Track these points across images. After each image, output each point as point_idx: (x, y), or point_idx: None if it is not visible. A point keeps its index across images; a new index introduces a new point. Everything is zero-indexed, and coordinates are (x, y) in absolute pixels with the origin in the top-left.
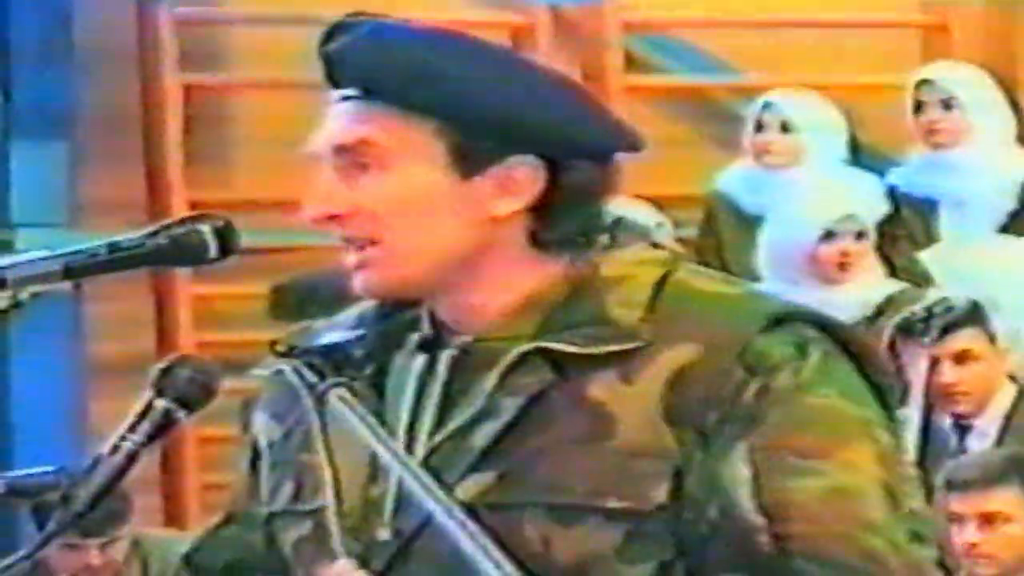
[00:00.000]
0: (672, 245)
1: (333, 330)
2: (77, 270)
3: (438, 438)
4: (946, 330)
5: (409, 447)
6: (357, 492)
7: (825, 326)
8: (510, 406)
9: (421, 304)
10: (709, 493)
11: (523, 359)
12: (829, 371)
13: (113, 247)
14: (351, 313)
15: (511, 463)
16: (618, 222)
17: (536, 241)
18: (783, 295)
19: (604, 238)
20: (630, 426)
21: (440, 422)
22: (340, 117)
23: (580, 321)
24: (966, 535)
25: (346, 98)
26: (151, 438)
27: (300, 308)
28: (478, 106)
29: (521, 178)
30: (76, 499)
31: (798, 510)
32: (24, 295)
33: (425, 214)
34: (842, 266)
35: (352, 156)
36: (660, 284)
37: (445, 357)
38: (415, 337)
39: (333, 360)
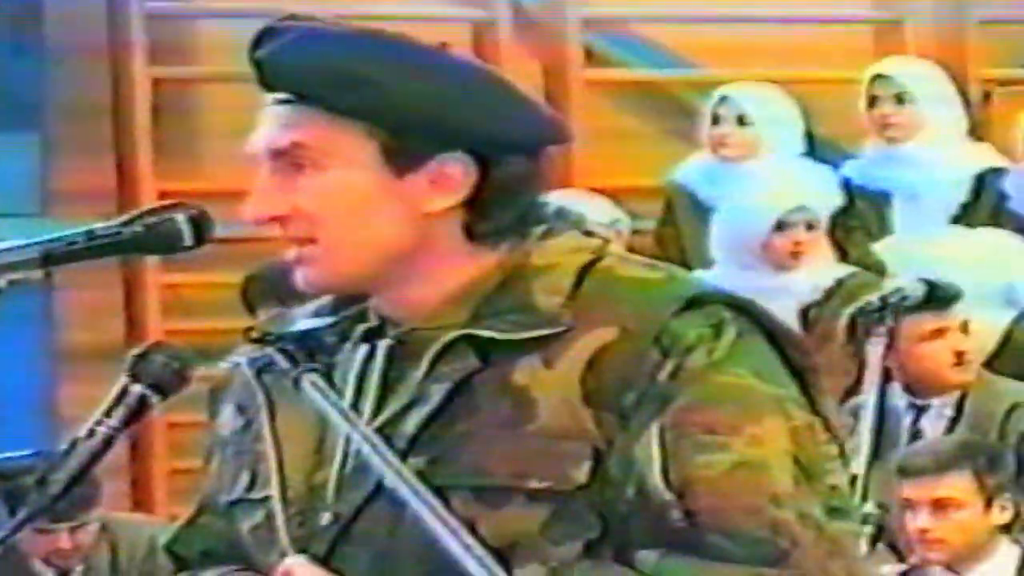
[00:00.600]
0: (609, 235)
1: (303, 318)
2: (55, 258)
3: (375, 424)
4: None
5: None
6: (302, 479)
7: (741, 307)
8: (437, 392)
9: (367, 298)
10: (626, 473)
11: (451, 347)
12: (742, 350)
13: (91, 235)
14: (316, 303)
15: (439, 448)
16: (558, 212)
17: (471, 234)
18: (736, 281)
19: (540, 228)
20: (551, 409)
21: (377, 410)
22: (273, 120)
23: (508, 308)
24: (918, 521)
25: (280, 101)
26: (126, 423)
27: (272, 295)
28: (405, 108)
29: (453, 174)
30: (52, 483)
31: (705, 485)
32: (2, 283)
33: (360, 213)
34: (794, 255)
35: (287, 159)
36: (584, 270)
37: (382, 347)
38: (359, 328)
39: (306, 347)
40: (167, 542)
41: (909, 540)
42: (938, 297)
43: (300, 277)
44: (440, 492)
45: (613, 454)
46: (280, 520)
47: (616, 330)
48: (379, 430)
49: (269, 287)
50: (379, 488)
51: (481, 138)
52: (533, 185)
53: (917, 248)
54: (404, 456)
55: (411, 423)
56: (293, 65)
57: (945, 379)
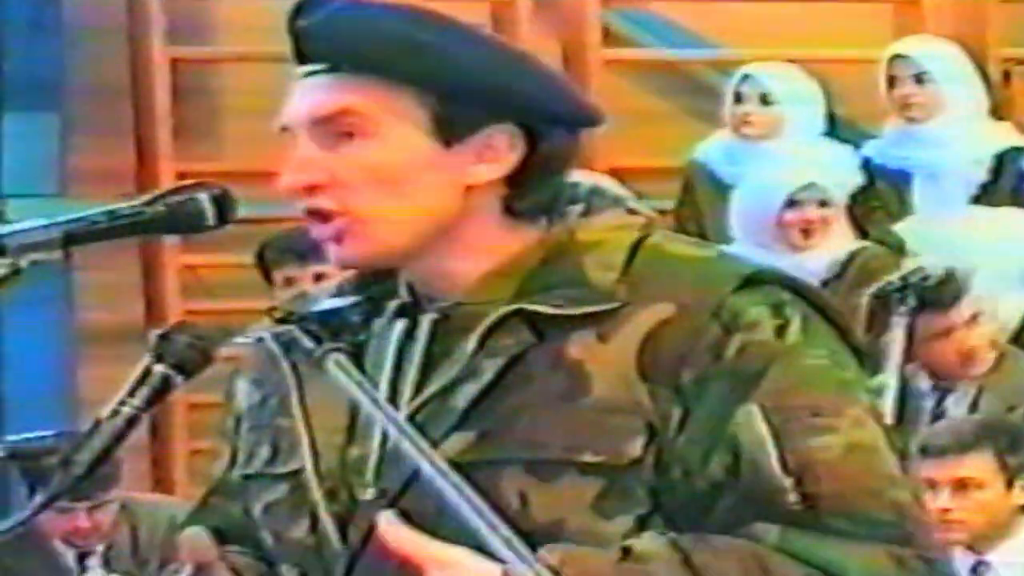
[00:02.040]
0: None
1: (326, 297)
2: (77, 238)
3: (419, 400)
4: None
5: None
6: (335, 455)
7: (798, 289)
8: (490, 367)
9: (396, 273)
10: (708, 451)
11: (502, 321)
12: (814, 333)
13: (113, 215)
14: (337, 282)
15: (491, 422)
16: (594, 190)
17: (509, 209)
18: (754, 259)
19: (578, 206)
20: (605, 383)
21: (421, 385)
22: (316, 89)
23: (558, 283)
24: (939, 501)
25: (314, 72)
26: (150, 403)
27: (289, 254)
28: (460, 75)
29: (500, 146)
30: (76, 463)
31: (824, 467)
32: (24, 263)
33: (405, 182)
34: (805, 233)
35: (333, 126)
36: (635, 247)
37: (425, 321)
38: (392, 304)
39: (330, 326)
40: (184, 521)
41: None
42: (940, 296)
43: (336, 253)
44: (490, 466)
45: (679, 431)
46: (317, 494)
47: (673, 306)
48: (423, 406)
49: (286, 248)
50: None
51: (534, 110)
52: (570, 164)
53: (937, 228)
54: (453, 430)
55: (461, 397)
56: (347, 32)
57: (958, 374)
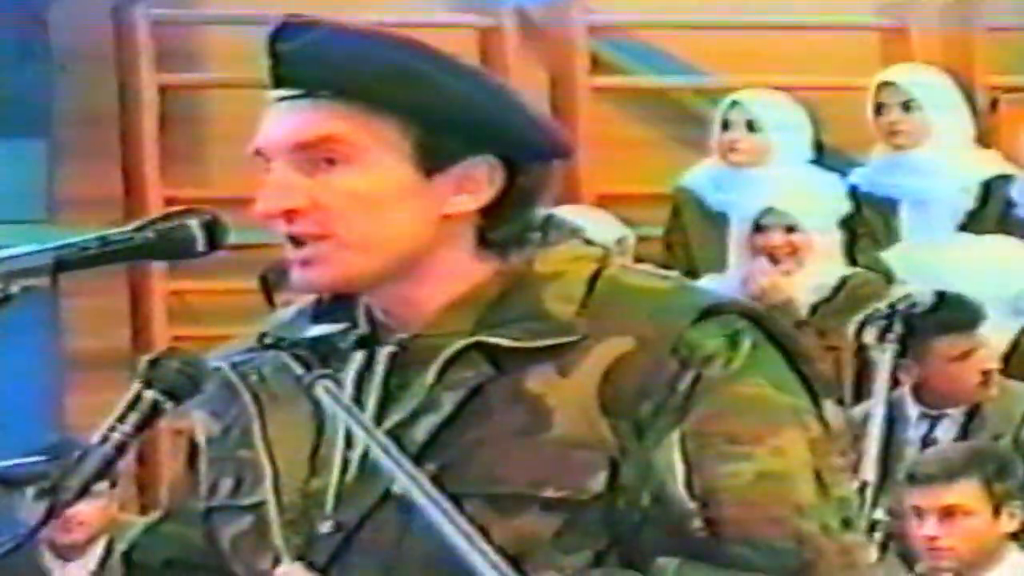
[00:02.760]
0: (617, 252)
1: (288, 320)
2: (68, 264)
3: (381, 431)
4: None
5: (349, 442)
6: (296, 486)
7: (754, 317)
8: (449, 400)
9: (355, 301)
10: (642, 481)
11: (461, 354)
12: (759, 361)
13: (103, 241)
14: (297, 306)
15: (451, 455)
16: (549, 220)
17: (483, 240)
18: (738, 284)
19: (536, 236)
20: (567, 418)
21: (380, 417)
22: (294, 114)
23: (517, 316)
24: (926, 529)
25: (293, 97)
26: (139, 429)
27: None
28: (447, 105)
29: (480, 178)
30: (66, 489)
31: (730, 494)
32: (15, 289)
33: (383, 211)
34: (772, 258)
35: (315, 152)
36: (593, 279)
37: (383, 353)
38: (352, 335)
39: (319, 352)
40: (125, 549)
41: (918, 548)
42: (964, 318)
43: (302, 276)
44: (452, 499)
45: (628, 462)
46: (276, 527)
47: (632, 340)
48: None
49: (287, 272)
50: (386, 496)
51: (515, 143)
52: (544, 195)
53: (924, 255)
54: (414, 463)
55: (421, 430)
56: (336, 57)
57: (971, 397)
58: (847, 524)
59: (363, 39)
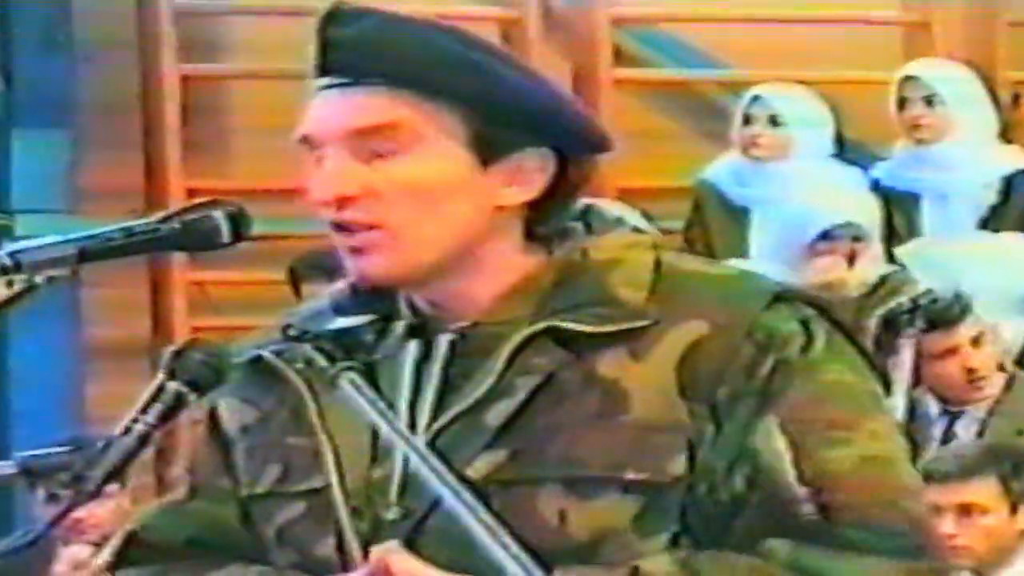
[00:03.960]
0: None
1: (320, 313)
2: (92, 254)
3: (442, 421)
4: (937, 325)
5: (411, 431)
6: (360, 473)
7: (819, 306)
8: (523, 385)
9: (394, 292)
10: (731, 466)
11: (530, 341)
12: (836, 348)
13: (128, 232)
14: (331, 298)
15: (525, 440)
16: (588, 211)
17: (529, 232)
18: (782, 278)
19: (579, 226)
20: (644, 401)
21: (440, 405)
22: (351, 101)
23: (584, 302)
24: (944, 527)
25: (338, 85)
26: (163, 420)
27: (321, 271)
28: (507, 96)
29: (532, 169)
30: (89, 479)
31: (839, 479)
32: (39, 279)
33: (439, 200)
34: (835, 264)
35: (371, 140)
36: (657, 265)
37: (443, 341)
38: (399, 325)
39: (344, 344)
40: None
41: None
42: (945, 315)
43: (359, 266)
44: (525, 484)
45: (706, 446)
46: (343, 513)
47: (706, 324)
48: (447, 426)
49: (315, 264)
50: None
51: (568, 134)
52: (586, 188)
53: (944, 251)
54: (484, 449)
55: (493, 416)
56: (396, 45)
57: (964, 395)
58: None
59: (418, 27)
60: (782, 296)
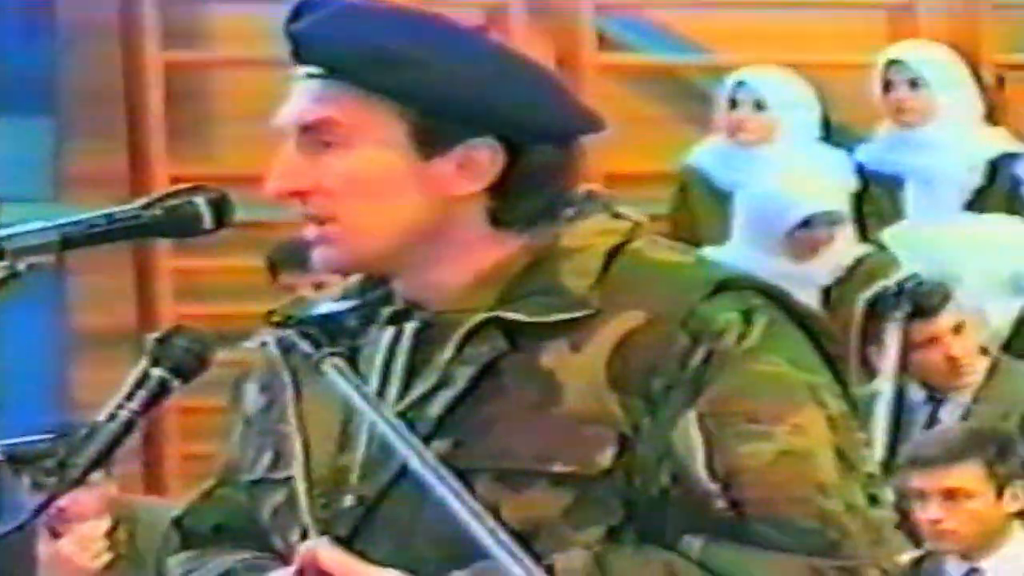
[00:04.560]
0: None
1: (328, 302)
2: (75, 241)
3: (401, 407)
4: (918, 314)
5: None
6: (327, 461)
7: (771, 294)
8: (463, 375)
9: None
10: (660, 459)
11: (478, 329)
12: (775, 338)
13: (110, 218)
14: (342, 286)
15: (464, 431)
16: (589, 195)
17: (495, 220)
18: (756, 265)
19: (569, 211)
20: (576, 393)
21: (404, 392)
22: (303, 95)
23: (534, 291)
24: (929, 512)
25: (311, 76)
26: (147, 407)
27: (296, 261)
28: (440, 89)
29: (481, 160)
30: (73, 466)
31: (751, 474)
32: (22, 266)
33: (383, 193)
34: (813, 249)
35: (314, 134)
36: (613, 253)
37: (408, 329)
38: (386, 311)
39: (328, 330)
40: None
41: (922, 531)
42: (926, 303)
43: (318, 256)
44: (464, 475)
45: (642, 439)
46: (304, 501)
47: (644, 314)
48: (404, 413)
49: (288, 256)
50: (403, 471)
51: (514, 125)
52: (562, 174)
53: (929, 234)
54: (428, 439)
55: (436, 406)
56: (329, 40)
57: (947, 382)
58: (874, 500)
59: (365, 20)
60: (728, 284)
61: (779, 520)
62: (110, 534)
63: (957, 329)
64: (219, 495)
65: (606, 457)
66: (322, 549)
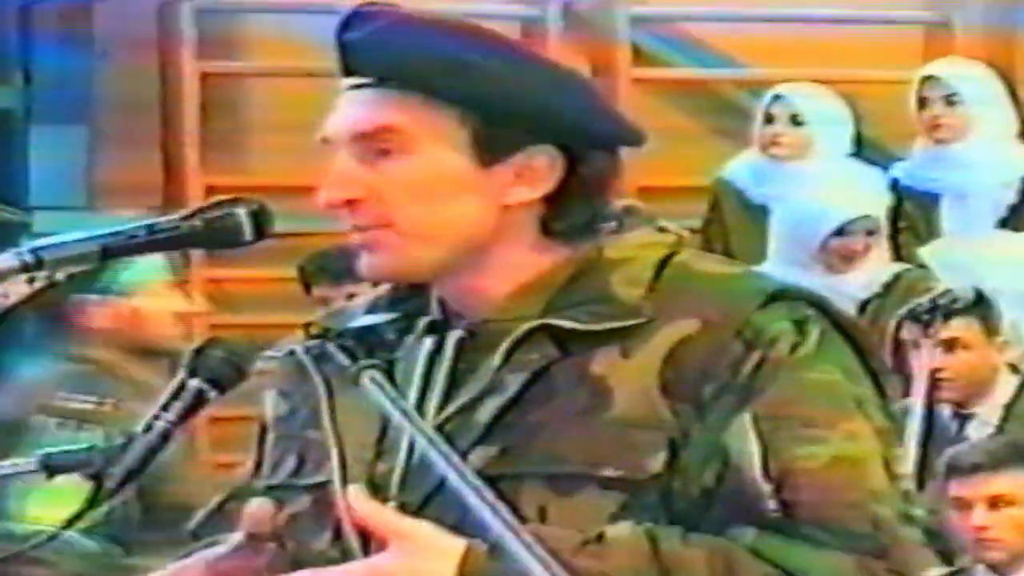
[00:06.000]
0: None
1: (360, 313)
2: (115, 251)
3: (444, 415)
4: (943, 318)
5: None
6: (362, 469)
7: (821, 306)
8: (514, 381)
9: (429, 289)
10: (705, 460)
11: (528, 337)
12: (828, 348)
13: (151, 229)
14: (371, 298)
15: (513, 436)
16: (627, 209)
17: (547, 229)
18: (792, 278)
19: (610, 224)
20: (627, 399)
21: (447, 400)
22: (358, 104)
23: (584, 300)
24: (975, 519)
25: (359, 86)
26: (183, 418)
27: (327, 273)
28: (503, 95)
29: (540, 168)
30: (110, 476)
31: (806, 477)
32: (61, 275)
33: (442, 200)
34: (848, 259)
35: (372, 143)
36: (663, 264)
37: (452, 338)
38: (423, 321)
39: (366, 342)
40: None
41: (963, 540)
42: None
43: (367, 263)
44: (511, 479)
45: (689, 444)
46: (343, 506)
47: (697, 322)
48: (448, 421)
49: (321, 267)
50: (444, 481)
51: (574, 132)
52: (610, 184)
53: (964, 251)
54: (476, 444)
55: (485, 412)
56: (395, 47)
57: (975, 398)
58: (909, 518)
59: (424, 28)
60: (780, 295)
61: (830, 523)
62: None
63: (949, 345)
64: (227, 509)
65: (657, 462)
66: (355, 499)
